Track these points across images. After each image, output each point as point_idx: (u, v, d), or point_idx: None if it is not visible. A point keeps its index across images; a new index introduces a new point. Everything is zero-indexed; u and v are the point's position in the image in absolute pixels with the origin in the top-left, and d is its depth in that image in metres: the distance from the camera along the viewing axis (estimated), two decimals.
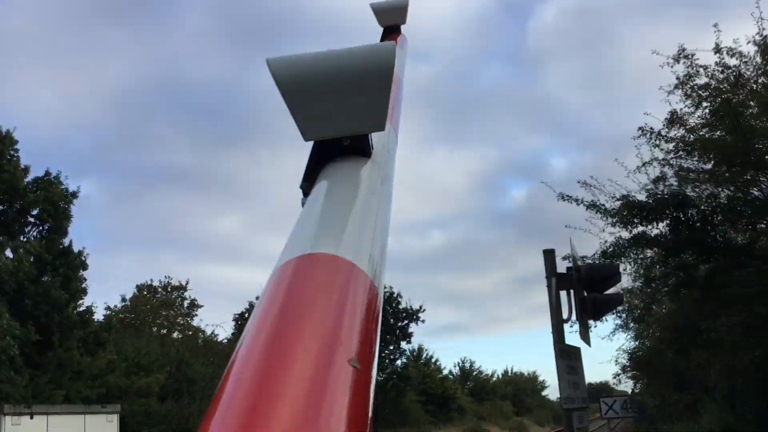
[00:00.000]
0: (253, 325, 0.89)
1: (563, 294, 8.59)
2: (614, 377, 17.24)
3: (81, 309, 22.34)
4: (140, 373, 22.66)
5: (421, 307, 41.64)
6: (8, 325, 17.33)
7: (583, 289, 8.48)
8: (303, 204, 1.24)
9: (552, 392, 71.75)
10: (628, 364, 16.27)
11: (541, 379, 72.35)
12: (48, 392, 19.25)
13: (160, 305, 37.36)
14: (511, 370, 68.21)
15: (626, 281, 10.51)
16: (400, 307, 41.33)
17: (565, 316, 8.46)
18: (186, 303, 38.95)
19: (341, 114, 1.22)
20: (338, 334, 0.84)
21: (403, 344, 42.35)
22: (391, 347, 42.04)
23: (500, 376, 64.07)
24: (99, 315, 24.99)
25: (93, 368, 21.26)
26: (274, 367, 0.78)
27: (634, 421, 17.95)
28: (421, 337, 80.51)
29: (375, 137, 1.36)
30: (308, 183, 1.28)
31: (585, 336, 8.58)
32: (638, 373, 16.00)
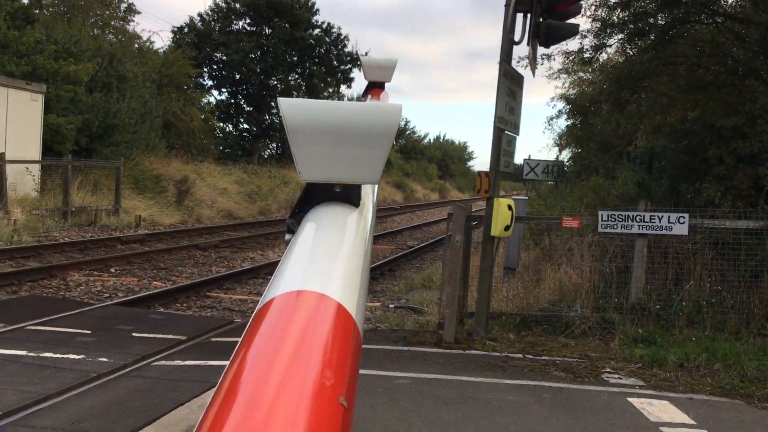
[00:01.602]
0: (240, 359, 0.85)
1: (519, 16, 8.30)
2: (545, 129, 17.49)
3: None
4: (69, 60, 21.82)
5: (366, 53, 40.86)
6: None
7: (541, 13, 8.19)
8: (287, 240, 1.27)
9: (477, 164, 74.24)
10: (565, 109, 16.55)
11: (470, 150, 74.37)
12: None
13: (97, 3, 35.37)
14: (443, 137, 69.71)
15: (583, 23, 10.25)
16: (346, 50, 40.46)
17: (517, 38, 8.24)
18: (123, 6, 37.06)
19: (339, 162, 1.27)
20: (328, 373, 0.82)
21: (344, 88, 42.10)
22: (331, 90, 41.78)
23: (431, 141, 65.48)
24: None
25: (20, 45, 20.29)
26: (263, 399, 0.76)
27: (552, 185, 18.70)
28: (362, 87, 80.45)
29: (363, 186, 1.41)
30: (294, 221, 1.33)
31: (532, 62, 8.45)
32: (571, 118, 16.36)
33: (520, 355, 7.41)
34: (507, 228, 8.02)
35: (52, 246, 13.61)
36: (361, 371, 6.53)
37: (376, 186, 1.75)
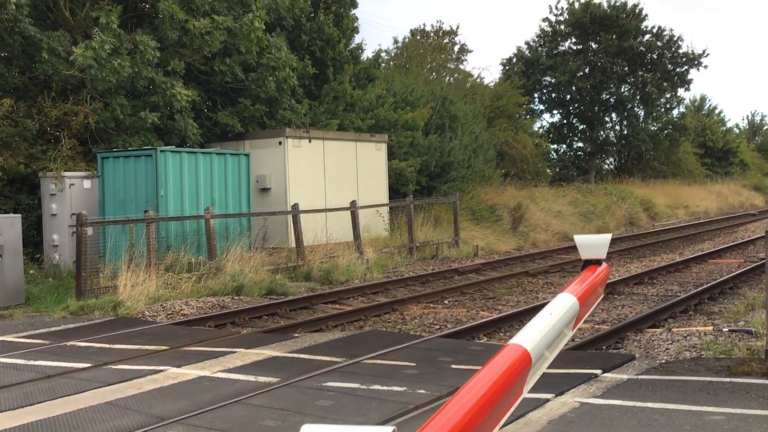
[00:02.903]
0: None
1: None
2: None
3: (352, 46, 23.72)
4: (406, 108, 24.06)
5: (704, 52, 38.08)
6: (287, 57, 19.08)
7: None
8: None
9: None
10: None
11: None
12: (324, 121, 21.36)
13: (432, 50, 38.30)
14: None
15: None
16: (680, 51, 38.08)
17: None
18: (456, 48, 39.55)
19: None
20: None
21: (681, 92, 39.60)
22: (668, 95, 39.62)
23: None
24: (369, 53, 26.33)
25: (364, 101, 22.97)
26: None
27: None
28: (705, 85, 74.76)
29: None
30: None
31: None
32: None
33: None
34: None
35: (397, 281, 15.09)
36: (670, 406, 6.31)
37: None
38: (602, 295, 2.89)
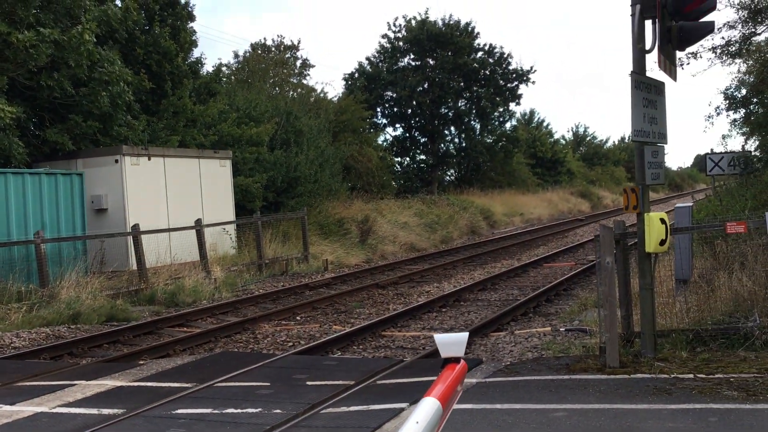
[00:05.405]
0: None
1: (648, 24, 8.03)
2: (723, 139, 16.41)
3: (191, 60, 23.10)
4: (250, 124, 23.74)
5: (532, 68, 40.50)
6: (120, 71, 18.25)
7: (670, 16, 7.89)
8: None
9: (671, 161, 70.28)
10: (724, 106, 15.44)
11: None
12: (164, 137, 20.62)
13: (274, 64, 38.07)
14: (628, 138, 66.69)
15: (727, 16, 9.62)
16: (510, 68, 40.25)
17: (648, 46, 7.96)
18: (298, 63, 39.57)
19: None
20: None
21: (513, 106, 41.83)
22: (501, 109, 41.69)
23: (615, 143, 62.98)
24: (209, 68, 25.73)
25: (206, 117, 22.40)
26: None
27: (737, 178, 17.46)
28: (533, 101, 79.55)
29: None
30: None
31: (671, 68, 8.12)
32: (735, 111, 15.25)
33: (691, 375, 7.07)
34: (662, 243, 7.72)
35: (247, 299, 14.79)
36: (518, 406, 6.56)
37: None
38: (461, 392, 2.95)
